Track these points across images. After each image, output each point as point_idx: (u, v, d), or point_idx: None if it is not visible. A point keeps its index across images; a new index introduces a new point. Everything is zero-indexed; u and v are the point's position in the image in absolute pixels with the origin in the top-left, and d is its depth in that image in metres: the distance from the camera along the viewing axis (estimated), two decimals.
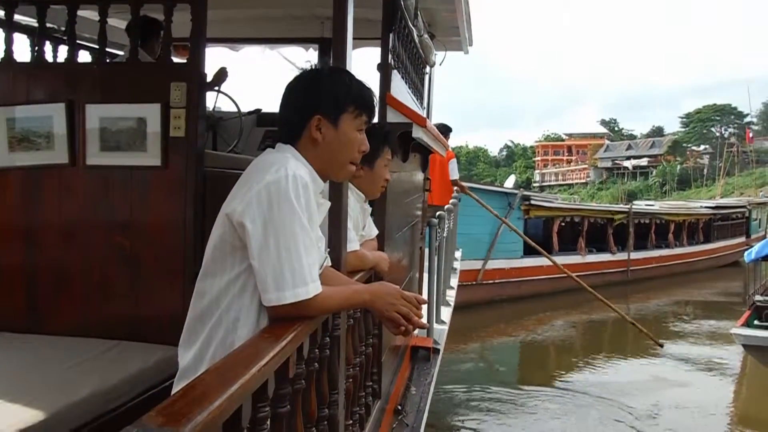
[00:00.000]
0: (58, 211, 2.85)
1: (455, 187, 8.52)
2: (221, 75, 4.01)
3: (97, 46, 3.03)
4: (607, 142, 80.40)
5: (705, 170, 60.35)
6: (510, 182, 14.73)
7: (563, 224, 14.15)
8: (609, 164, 74.48)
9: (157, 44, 3.45)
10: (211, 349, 1.52)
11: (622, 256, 15.49)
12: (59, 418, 1.96)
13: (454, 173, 8.52)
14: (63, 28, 3.05)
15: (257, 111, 4.30)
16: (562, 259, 13.35)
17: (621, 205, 22.15)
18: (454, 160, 8.52)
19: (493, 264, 11.89)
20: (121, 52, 3.70)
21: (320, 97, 1.62)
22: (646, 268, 15.88)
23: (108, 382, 2.25)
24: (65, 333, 2.75)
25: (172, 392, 1.49)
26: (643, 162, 69.93)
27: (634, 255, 15.83)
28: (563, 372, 8.19)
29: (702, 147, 69.99)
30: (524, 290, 12.62)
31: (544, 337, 10.59)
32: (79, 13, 2.99)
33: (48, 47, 3.22)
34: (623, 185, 62.82)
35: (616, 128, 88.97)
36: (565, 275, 9.92)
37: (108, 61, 3.00)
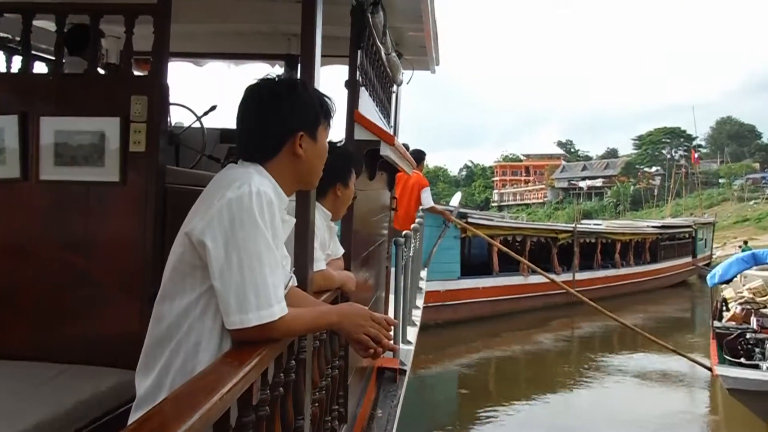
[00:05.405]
0: (9, 228, 2.72)
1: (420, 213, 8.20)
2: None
3: (52, 57, 2.93)
4: (563, 163, 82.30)
5: (656, 191, 62.25)
6: (456, 200, 14.28)
7: (505, 243, 13.34)
8: (565, 185, 76.25)
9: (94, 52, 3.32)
10: (170, 376, 1.44)
11: (566, 276, 14.94)
12: None
13: (427, 201, 8.21)
14: (17, 38, 2.94)
15: (213, 108, 4.15)
16: (500, 281, 13.09)
17: (565, 224, 21.94)
18: (427, 189, 8.20)
19: (426, 286, 11.36)
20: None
21: (301, 114, 1.60)
22: (591, 288, 15.04)
23: (57, 410, 2.12)
24: (14, 357, 2.60)
25: (128, 423, 1.40)
26: (598, 183, 71.90)
27: (579, 275, 15.47)
28: (514, 402, 8.23)
29: (654, 168, 72.30)
30: (462, 314, 12.07)
31: (484, 363, 10.49)
32: (35, 23, 2.89)
33: (1, 57, 3.10)
34: (579, 205, 64.22)
35: (572, 149, 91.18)
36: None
37: (65, 72, 2.88)
